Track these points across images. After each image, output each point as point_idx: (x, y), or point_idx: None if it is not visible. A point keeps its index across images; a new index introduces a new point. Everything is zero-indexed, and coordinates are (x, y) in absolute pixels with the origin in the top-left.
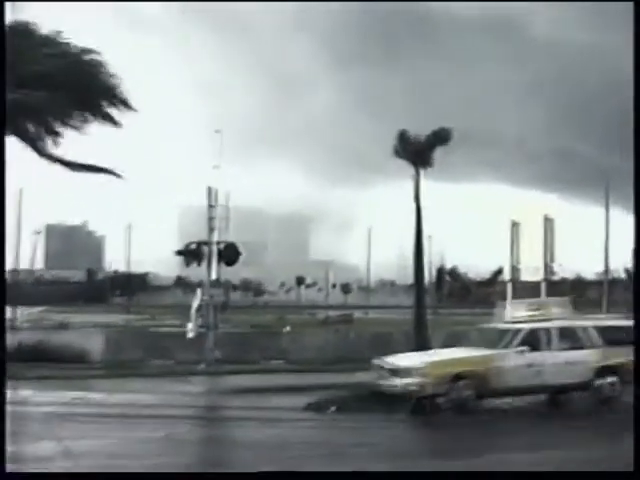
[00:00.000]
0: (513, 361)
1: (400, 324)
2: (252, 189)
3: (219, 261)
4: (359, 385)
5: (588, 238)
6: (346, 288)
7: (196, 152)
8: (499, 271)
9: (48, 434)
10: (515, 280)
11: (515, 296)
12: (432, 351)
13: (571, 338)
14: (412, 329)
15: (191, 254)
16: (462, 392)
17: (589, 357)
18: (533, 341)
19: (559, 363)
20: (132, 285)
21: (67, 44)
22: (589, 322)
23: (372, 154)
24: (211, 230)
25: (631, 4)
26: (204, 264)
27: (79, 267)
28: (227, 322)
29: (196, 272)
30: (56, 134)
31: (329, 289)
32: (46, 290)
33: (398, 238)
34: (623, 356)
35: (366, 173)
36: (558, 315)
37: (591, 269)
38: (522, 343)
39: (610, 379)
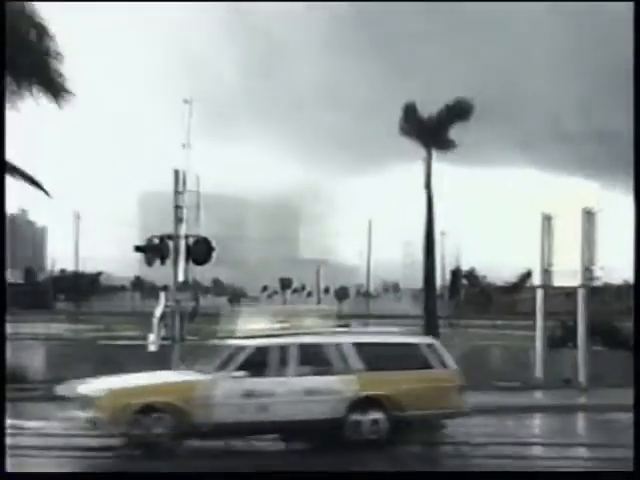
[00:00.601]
0: (227, 389)
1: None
2: (229, 172)
3: (188, 259)
4: None
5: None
6: (341, 293)
7: (161, 127)
8: (527, 274)
9: None
10: (547, 286)
11: (547, 305)
12: (130, 375)
13: (318, 359)
14: None
15: (153, 250)
16: (151, 429)
17: (342, 385)
18: (260, 363)
19: (296, 392)
20: (81, 287)
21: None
22: (347, 338)
23: (374, 132)
24: (178, 221)
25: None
26: (169, 262)
27: (15, 265)
28: (197, 333)
29: (159, 272)
30: None
31: (321, 294)
32: None
33: (405, 233)
34: (394, 383)
35: (367, 155)
36: (311, 329)
37: None
38: (244, 365)
39: (372, 415)
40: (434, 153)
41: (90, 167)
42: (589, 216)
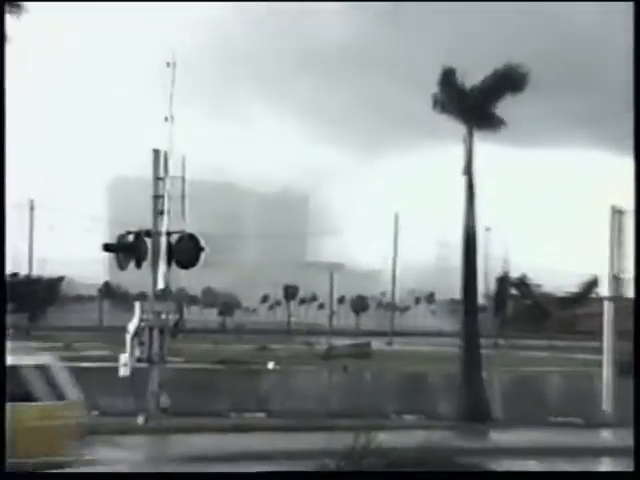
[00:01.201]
0: None
1: (440, 360)
2: (222, 154)
3: (170, 261)
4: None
5: None
6: (359, 304)
7: (138, 96)
8: (593, 283)
9: None
10: (617, 297)
11: (618, 321)
12: None
13: None
14: (459, 369)
15: (127, 250)
16: None
17: None
18: None
19: None
20: (36, 296)
21: None
22: None
23: (402, 105)
24: (158, 214)
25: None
26: (147, 265)
27: None
28: (180, 354)
29: (134, 277)
30: None
31: (334, 305)
32: None
33: (439, 230)
34: None
35: (391, 134)
36: None
37: None
38: None
39: None
40: (476, 132)
41: (48, 145)
42: None
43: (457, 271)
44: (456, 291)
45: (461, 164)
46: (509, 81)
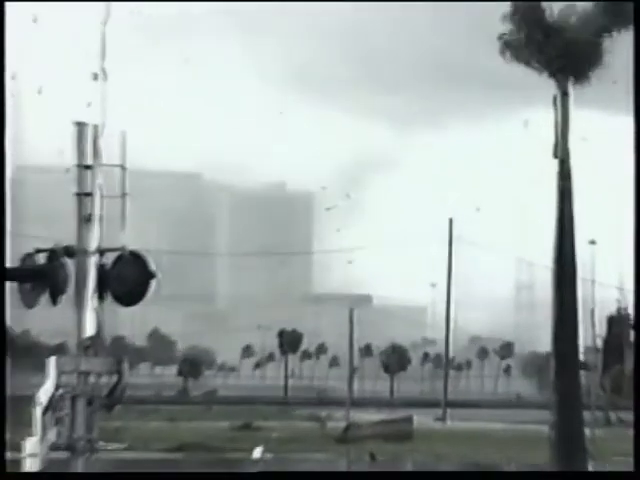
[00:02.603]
0: None
1: (520, 445)
2: (185, 130)
3: (102, 294)
4: None
5: None
6: (395, 359)
7: (52, 42)
8: None
9: None
10: None
11: None
12: None
13: None
14: (549, 458)
15: (36, 277)
16: None
17: None
18: None
19: None
20: None
21: None
22: None
23: (450, 54)
24: (84, 222)
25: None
26: (66, 300)
27: None
28: (120, 437)
29: (47, 319)
30: None
31: (355, 360)
32: None
33: (517, 245)
34: None
35: (437, 97)
36: None
37: None
38: None
39: None
40: (572, 91)
41: None
42: None
43: (545, 307)
44: (543, 339)
45: (550, 141)
46: (614, 13)
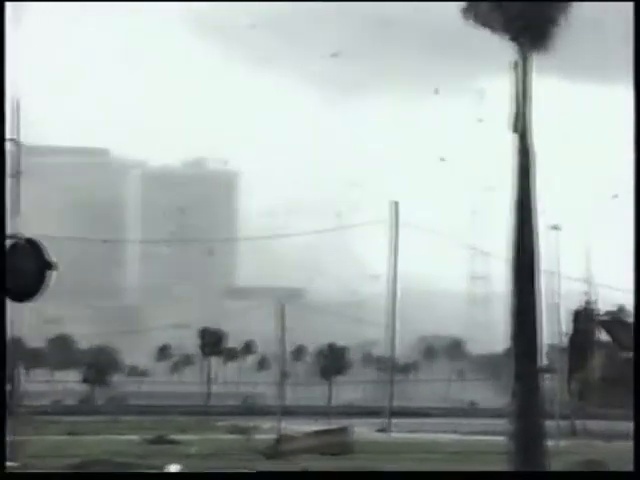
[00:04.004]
0: None
1: (473, 459)
2: (97, 99)
3: None
4: None
5: None
6: (332, 361)
7: None
8: None
9: None
10: None
11: None
12: None
13: None
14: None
15: None
16: None
17: None
18: None
19: None
20: None
21: None
22: None
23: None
24: None
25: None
26: None
27: None
28: (13, 453)
29: None
30: None
31: (287, 363)
32: None
33: (468, 229)
34: None
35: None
36: None
37: None
38: None
39: None
40: (534, 57)
41: None
42: None
43: (502, 302)
44: (499, 338)
45: (507, 113)
46: None
